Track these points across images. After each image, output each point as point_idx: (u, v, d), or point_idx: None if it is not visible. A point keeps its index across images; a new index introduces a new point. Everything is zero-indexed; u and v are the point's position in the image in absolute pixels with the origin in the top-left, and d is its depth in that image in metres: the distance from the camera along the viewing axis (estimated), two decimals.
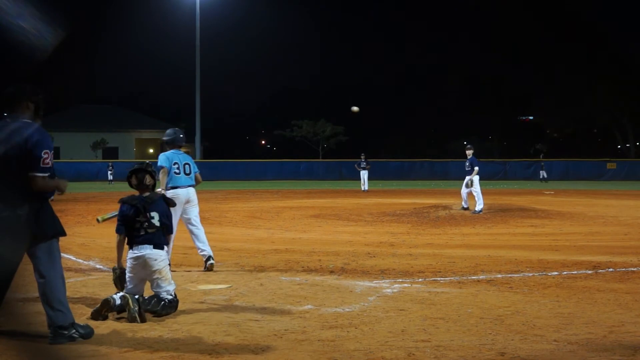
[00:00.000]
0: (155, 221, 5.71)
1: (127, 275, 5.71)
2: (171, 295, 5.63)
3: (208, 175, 44.82)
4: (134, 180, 5.95)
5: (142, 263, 5.63)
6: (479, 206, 15.49)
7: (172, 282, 5.75)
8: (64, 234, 4.85)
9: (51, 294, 4.70)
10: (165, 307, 5.52)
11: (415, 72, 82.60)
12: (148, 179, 5.90)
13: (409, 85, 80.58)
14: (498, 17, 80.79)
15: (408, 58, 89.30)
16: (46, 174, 4.57)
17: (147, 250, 5.64)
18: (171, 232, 6.09)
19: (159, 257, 5.66)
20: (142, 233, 5.69)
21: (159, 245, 5.71)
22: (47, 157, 4.55)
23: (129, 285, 5.70)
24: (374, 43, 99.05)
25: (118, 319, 5.39)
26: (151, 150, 66.74)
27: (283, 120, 66.40)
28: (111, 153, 57.43)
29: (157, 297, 5.57)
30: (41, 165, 4.52)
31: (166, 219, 5.83)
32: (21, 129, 4.59)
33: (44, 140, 4.61)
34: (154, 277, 5.64)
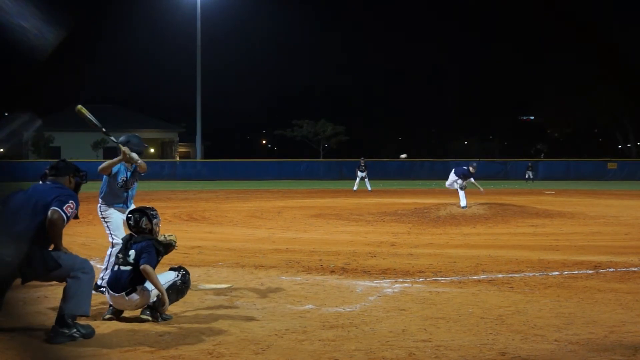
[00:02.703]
0: (130, 258, 5.48)
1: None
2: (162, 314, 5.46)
3: (208, 174, 45.13)
4: (131, 222, 5.75)
5: (123, 303, 5.44)
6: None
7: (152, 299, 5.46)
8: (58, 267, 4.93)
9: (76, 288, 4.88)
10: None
11: (415, 72, 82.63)
12: (145, 222, 5.70)
13: (409, 85, 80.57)
14: (498, 17, 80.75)
15: (408, 58, 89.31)
16: (65, 217, 4.91)
17: (120, 299, 5.38)
18: (142, 263, 5.40)
19: (135, 299, 5.40)
20: (115, 268, 5.55)
21: (130, 290, 5.37)
22: (71, 205, 4.98)
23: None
24: (375, 43, 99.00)
25: (119, 319, 5.40)
26: (152, 150, 66.73)
27: (284, 120, 66.39)
28: (112, 153, 57.37)
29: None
30: (64, 208, 4.91)
31: (140, 257, 5.42)
32: (57, 188, 5.10)
33: (74, 197, 5.10)
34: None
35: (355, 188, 28.82)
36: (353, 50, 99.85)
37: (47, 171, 5.29)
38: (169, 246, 5.86)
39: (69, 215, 4.94)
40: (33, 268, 4.82)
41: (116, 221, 6.65)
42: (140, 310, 5.42)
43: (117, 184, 6.67)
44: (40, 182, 5.30)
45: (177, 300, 5.63)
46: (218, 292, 6.58)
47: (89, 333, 4.84)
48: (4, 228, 4.87)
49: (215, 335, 4.93)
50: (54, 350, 4.63)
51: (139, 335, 4.93)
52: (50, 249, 4.96)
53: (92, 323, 5.12)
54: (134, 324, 5.26)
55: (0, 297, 4.84)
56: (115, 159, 6.61)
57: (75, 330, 4.77)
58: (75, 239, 10.09)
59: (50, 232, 4.87)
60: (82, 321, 4.95)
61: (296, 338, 4.85)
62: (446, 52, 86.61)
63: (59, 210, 4.87)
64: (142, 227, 5.70)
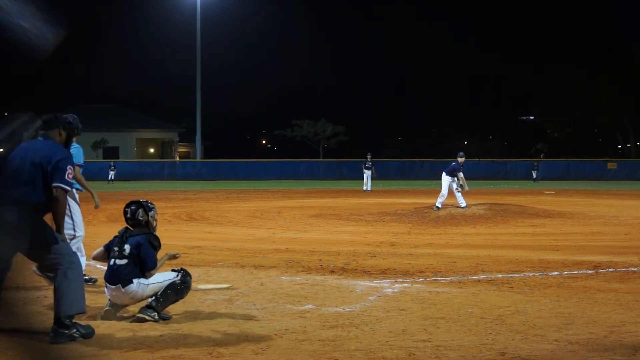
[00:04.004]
0: (126, 252, 5.47)
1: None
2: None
3: (208, 174, 45.15)
4: (128, 214, 5.71)
5: (120, 296, 5.46)
6: (464, 203, 15.97)
7: (158, 291, 5.48)
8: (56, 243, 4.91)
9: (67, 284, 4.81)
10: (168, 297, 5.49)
11: (415, 72, 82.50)
12: (141, 213, 5.67)
13: (409, 85, 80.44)
14: (498, 17, 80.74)
15: (408, 58, 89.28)
16: (68, 187, 4.89)
17: (117, 292, 5.41)
18: (149, 269, 5.50)
19: (131, 291, 5.41)
20: (111, 263, 5.51)
21: (127, 281, 5.39)
22: (70, 171, 4.91)
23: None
24: (375, 43, 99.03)
25: (118, 320, 5.40)
26: (152, 150, 66.69)
27: (284, 120, 66.40)
28: (112, 152, 57.38)
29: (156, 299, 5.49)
30: (65, 178, 4.87)
31: (137, 252, 5.47)
32: (49, 146, 4.98)
33: (69, 157, 5.01)
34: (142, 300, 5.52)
35: (364, 188, 28.44)
36: (353, 50, 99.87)
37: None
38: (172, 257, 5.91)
39: (71, 181, 4.93)
40: (34, 236, 4.74)
41: (79, 210, 6.66)
42: (139, 308, 5.42)
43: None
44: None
45: (176, 300, 5.61)
46: (218, 292, 6.58)
47: (88, 333, 4.83)
48: (3, 192, 4.79)
49: (215, 335, 4.93)
50: (54, 350, 4.63)
51: (139, 336, 4.93)
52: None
53: (92, 323, 5.12)
54: (134, 324, 5.25)
55: None
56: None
57: (75, 330, 4.76)
58: None
59: (55, 210, 4.81)
60: (82, 321, 4.95)
61: (296, 338, 4.85)
62: (446, 52, 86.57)
63: (62, 185, 4.82)
64: (138, 219, 5.67)
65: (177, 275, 5.63)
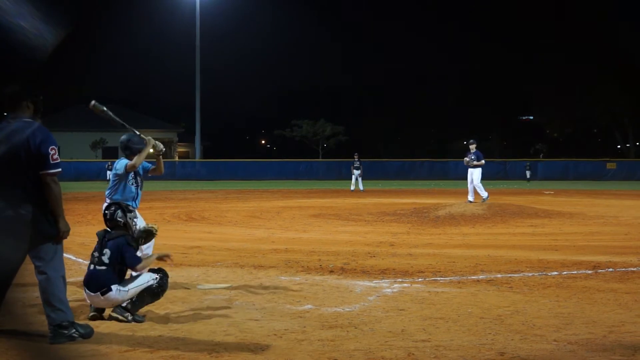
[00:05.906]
0: (105, 258, 5.42)
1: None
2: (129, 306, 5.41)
3: (208, 174, 45.12)
4: (107, 216, 5.67)
5: (99, 302, 5.43)
6: (485, 194, 17.50)
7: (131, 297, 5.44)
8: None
9: (51, 292, 4.71)
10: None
11: (415, 72, 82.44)
12: (119, 214, 5.63)
13: (409, 85, 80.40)
14: (499, 17, 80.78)
15: (408, 58, 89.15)
16: (58, 169, 4.67)
17: (96, 298, 5.38)
18: (133, 267, 5.51)
19: (111, 298, 5.36)
20: (91, 267, 5.49)
21: (106, 289, 5.34)
22: (54, 152, 4.66)
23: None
24: (375, 43, 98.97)
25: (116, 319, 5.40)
26: (151, 150, 66.66)
27: (283, 120, 66.43)
28: (111, 152, 57.36)
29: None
30: (51, 162, 4.63)
31: (118, 255, 5.42)
32: (23, 129, 4.67)
33: (48, 137, 4.71)
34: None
35: (352, 188, 28.75)
36: (353, 50, 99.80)
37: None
38: (149, 234, 5.92)
39: (58, 162, 4.67)
40: (41, 226, 4.63)
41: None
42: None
43: (129, 180, 6.60)
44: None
45: (151, 302, 5.57)
46: (217, 292, 6.58)
47: (88, 333, 4.83)
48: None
49: (214, 335, 4.93)
50: (53, 350, 4.63)
51: (138, 335, 4.93)
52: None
53: (92, 323, 5.13)
54: (133, 324, 5.26)
55: (4, 286, 4.74)
56: (144, 152, 6.55)
57: (74, 330, 4.75)
58: (74, 238, 10.07)
59: (48, 197, 4.64)
60: (81, 321, 4.95)
61: (295, 338, 4.85)
62: (446, 52, 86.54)
63: (49, 172, 4.60)
64: (116, 219, 5.63)
65: (155, 279, 5.59)
